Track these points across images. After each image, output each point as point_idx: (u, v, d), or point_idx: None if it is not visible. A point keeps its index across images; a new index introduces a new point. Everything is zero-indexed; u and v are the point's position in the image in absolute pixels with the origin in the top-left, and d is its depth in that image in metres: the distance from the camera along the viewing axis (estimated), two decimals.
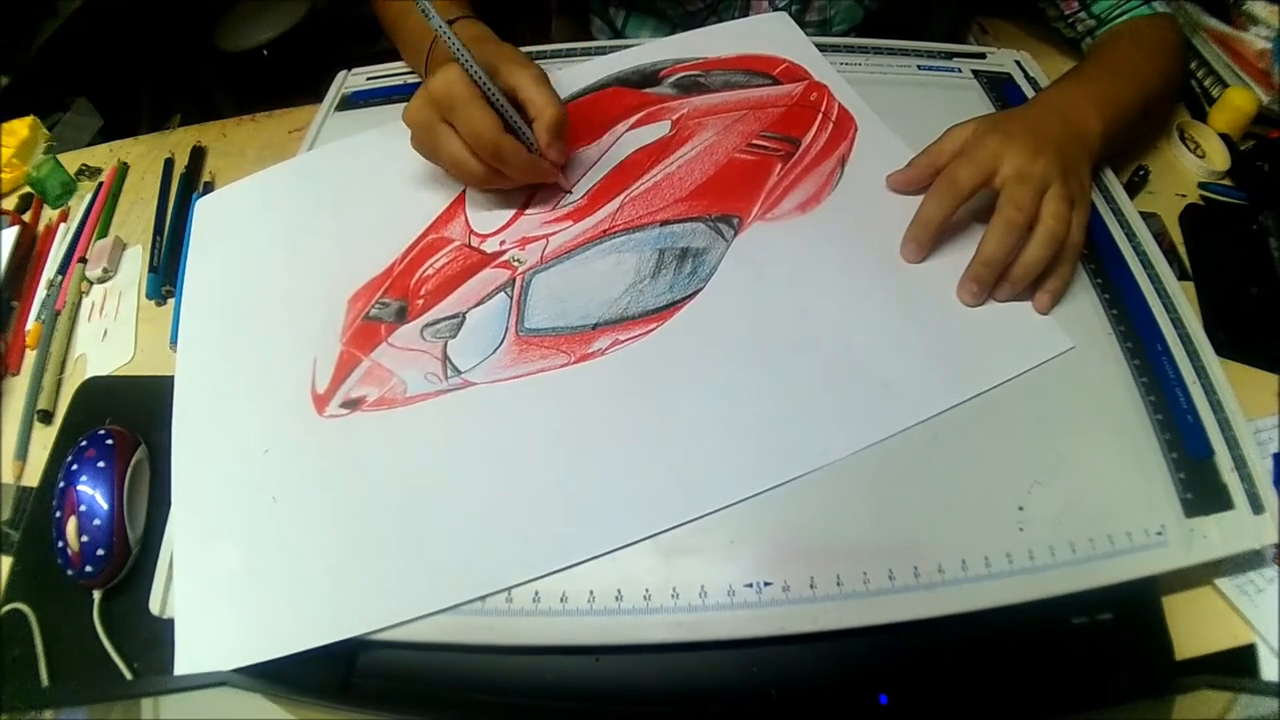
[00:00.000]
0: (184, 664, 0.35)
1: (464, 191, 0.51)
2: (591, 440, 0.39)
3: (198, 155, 0.65)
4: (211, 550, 0.39)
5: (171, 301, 0.54)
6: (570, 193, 0.50)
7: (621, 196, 0.49)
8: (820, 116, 0.53)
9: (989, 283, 0.42)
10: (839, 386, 0.40)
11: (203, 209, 0.54)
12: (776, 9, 0.62)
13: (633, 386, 0.41)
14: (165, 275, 0.56)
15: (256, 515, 0.39)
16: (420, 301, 0.46)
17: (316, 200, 0.53)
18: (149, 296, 0.55)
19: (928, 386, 0.40)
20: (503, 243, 0.48)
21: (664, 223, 0.47)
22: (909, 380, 0.40)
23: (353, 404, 0.42)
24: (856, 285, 0.44)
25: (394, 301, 0.46)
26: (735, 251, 0.46)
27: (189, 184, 0.62)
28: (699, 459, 0.38)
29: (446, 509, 0.38)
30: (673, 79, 0.56)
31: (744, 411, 0.40)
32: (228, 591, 0.37)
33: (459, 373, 0.42)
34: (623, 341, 0.43)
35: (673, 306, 0.44)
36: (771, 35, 0.59)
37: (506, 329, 0.44)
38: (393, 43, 0.62)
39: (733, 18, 0.63)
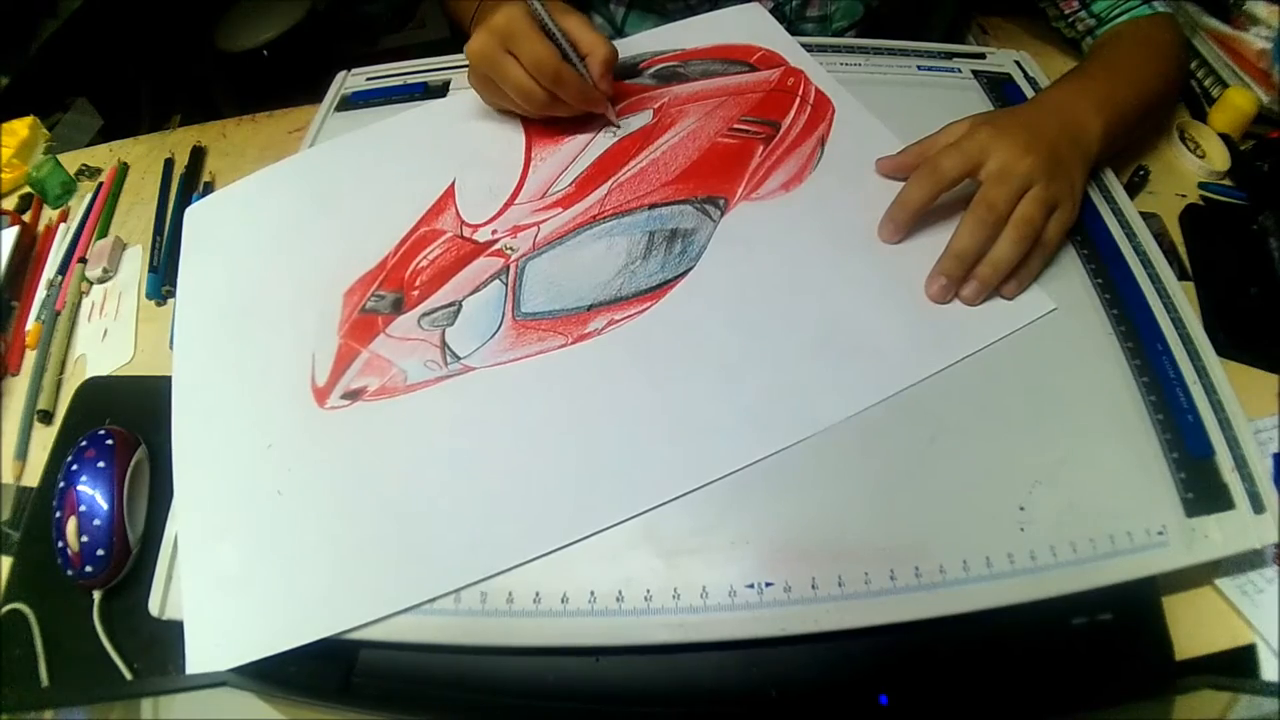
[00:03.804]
0: (195, 663, 0.35)
1: (453, 184, 0.51)
2: (592, 416, 0.40)
3: (198, 155, 0.65)
4: (218, 548, 0.39)
5: (172, 301, 0.54)
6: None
7: (609, 183, 0.50)
8: (798, 100, 0.54)
9: (957, 277, 0.42)
10: (831, 354, 0.41)
11: (192, 216, 0.54)
12: (774, 4, 0.62)
13: (630, 363, 0.42)
14: (165, 275, 0.56)
15: (262, 510, 0.39)
16: (416, 292, 0.46)
17: (306, 199, 0.53)
18: (149, 296, 0.55)
19: (918, 350, 0.41)
20: (494, 232, 0.48)
21: (652, 206, 0.48)
22: (900, 345, 0.41)
23: (354, 394, 0.42)
24: (843, 258, 0.45)
25: (389, 293, 0.46)
26: (723, 231, 0.47)
27: (189, 184, 0.62)
28: (699, 429, 0.39)
29: (452, 490, 0.38)
30: (652, 70, 0.57)
31: (740, 382, 0.40)
32: (236, 588, 0.37)
33: (458, 359, 0.43)
34: (618, 321, 0.43)
35: (665, 285, 0.45)
36: (746, 25, 0.60)
37: (503, 314, 0.44)
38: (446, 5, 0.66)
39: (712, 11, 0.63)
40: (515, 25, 0.46)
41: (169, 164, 0.64)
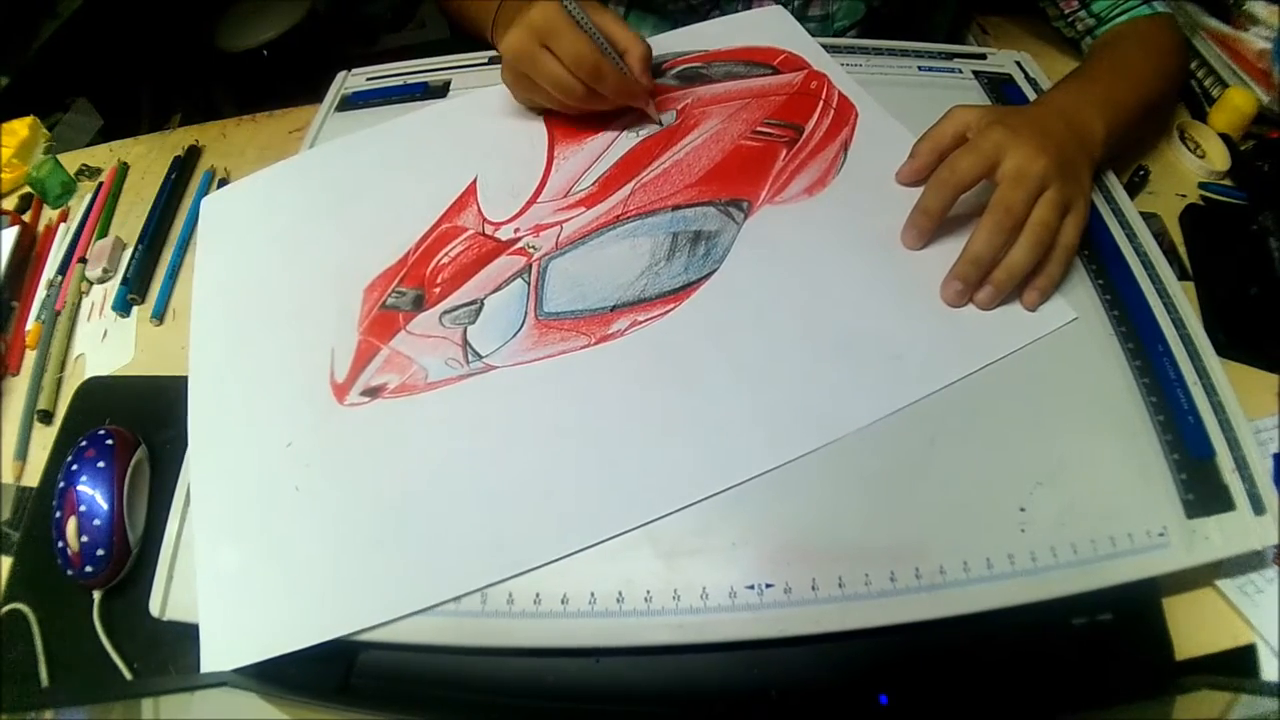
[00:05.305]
0: (210, 661, 0.35)
1: (475, 181, 0.51)
2: (615, 418, 0.40)
3: (192, 159, 0.64)
4: (234, 545, 0.39)
5: (172, 303, 0.54)
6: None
7: (632, 183, 0.50)
8: (821, 104, 0.54)
9: (974, 281, 0.42)
10: (853, 360, 0.41)
11: (209, 207, 0.55)
12: (776, 2, 0.62)
13: (654, 365, 0.42)
14: (136, 286, 0.54)
15: (281, 508, 0.39)
16: (437, 289, 0.46)
17: (324, 194, 0.53)
18: (114, 308, 0.54)
19: (939, 358, 0.41)
20: (517, 230, 0.48)
21: (675, 207, 0.48)
22: (921, 352, 0.41)
23: (373, 391, 0.42)
24: (865, 263, 0.45)
25: (410, 290, 0.46)
26: (746, 234, 0.47)
27: (180, 188, 0.62)
28: (720, 433, 0.39)
29: (472, 490, 0.38)
30: (675, 71, 0.57)
31: (761, 386, 0.40)
32: (252, 585, 0.37)
33: (480, 357, 0.43)
34: (641, 322, 0.43)
35: (689, 288, 0.45)
36: (769, 27, 0.60)
37: (525, 313, 0.44)
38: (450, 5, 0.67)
39: (735, 13, 0.63)
40: (553, 22, 0.47)
41: (177, 161, 0.63)
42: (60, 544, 0.41)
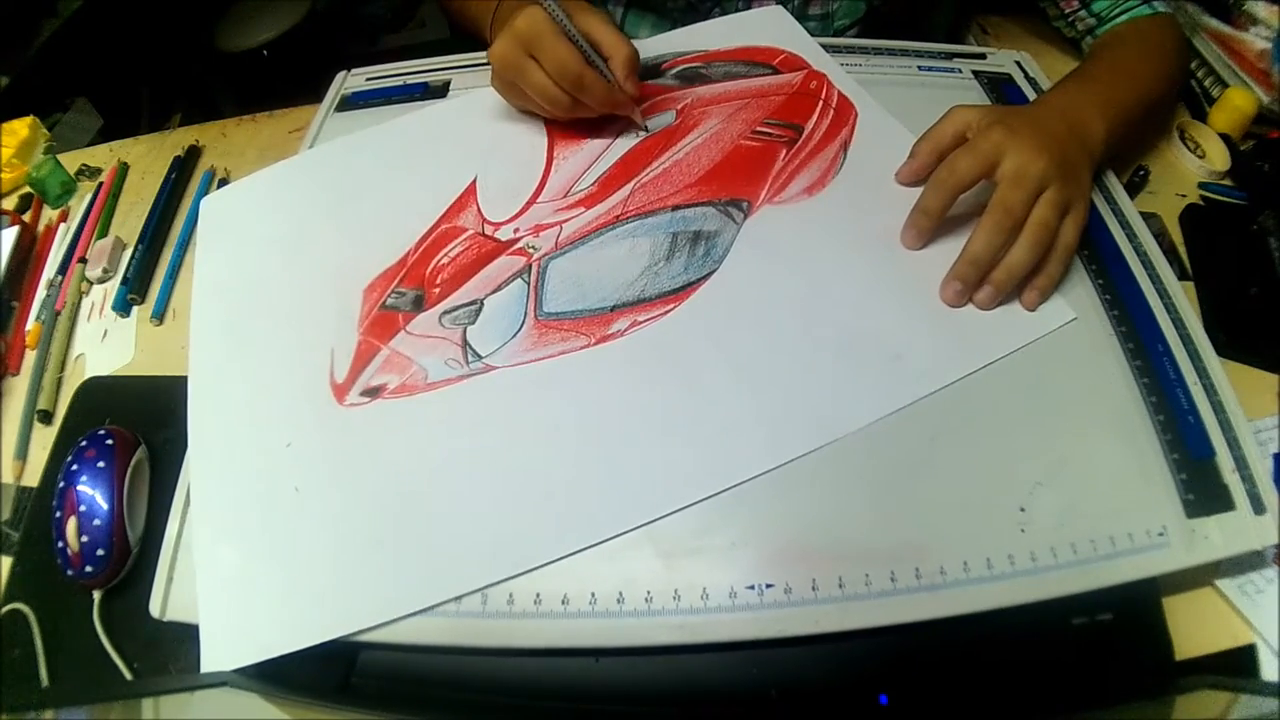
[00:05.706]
0: (210, 661, 0.35)
1: (474, 181, 0.51)
2: (616, 418, 0.40)
3: (192, 159, 0.64)
4: (234, 546, 0.39)
5: (172, 303, 0.54)
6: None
7: (632, 183, 0.50)
8: (821, 104, 0.54)
9: (973, 282, 0.42)
10: (853, 360, 0.41)
11: (209, 207, 0.55)
12: (776, 2, 0.62)
13: (654, 365, 0.42)
14: (136, 286, 0.55)
15: (281, 508, 0.39)
16: (437, 290, 0.46)
17: (324, 194, 0.53)
18: (114, 308, 0.54)
19: (939, 357, 0.41)
20: (516, 230, 0.48)
21: (675, 207, 0.48)
22: (921, 352, 0.41)
23: (373, 392, 0.42)
24: (865, 263, 0.45)
25: (410, 290, 0.46)
26: (746, 234, 0.47)
27: (180, 188, 0.62)
28: (720, 433, 0.39)
29: (472, 490, 0.38)
30: (675, 71, 0.57)
31: (762, 386, 0.40)
32: (252, 585, 0.37)
33: (480, 358, 0.43)
34: (641, 322, 0.43)
35: (689, 288, 0.45)
36: (768, 27, 0.60)
37: (525, 313, 0.44)
38: (451, 5, 0.67)
39: (736, 11, 0.63)
40: (537, 29, 0.46)
41: (178, 161, 0.63)
42: (60, 544, 0.41)
